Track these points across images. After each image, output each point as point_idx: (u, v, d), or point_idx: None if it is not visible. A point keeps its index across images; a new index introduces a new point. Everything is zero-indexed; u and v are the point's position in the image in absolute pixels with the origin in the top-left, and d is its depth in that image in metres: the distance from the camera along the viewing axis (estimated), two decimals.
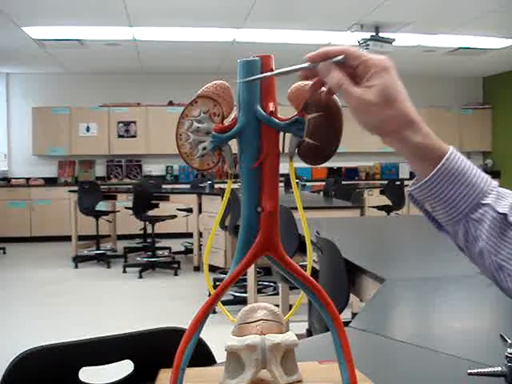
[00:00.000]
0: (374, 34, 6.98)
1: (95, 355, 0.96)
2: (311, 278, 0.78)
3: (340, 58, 0.75)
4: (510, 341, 1.13)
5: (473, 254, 0.78)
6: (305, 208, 0.80)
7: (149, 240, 8.16)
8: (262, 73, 0.75)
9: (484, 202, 0.75)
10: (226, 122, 0.78)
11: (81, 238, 8.02)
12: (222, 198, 5.93)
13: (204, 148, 0.78)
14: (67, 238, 8.24)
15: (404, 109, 0.74)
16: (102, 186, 8.31)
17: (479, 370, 0.97)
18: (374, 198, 8.91)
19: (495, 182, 0.77)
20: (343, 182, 8.97)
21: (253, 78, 0.75)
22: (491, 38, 7.71)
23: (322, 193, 7.79)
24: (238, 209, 4.55)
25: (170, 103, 10.17)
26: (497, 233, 0.74)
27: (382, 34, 6.99)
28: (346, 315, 3.44)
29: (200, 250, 7.19)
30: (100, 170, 10.36)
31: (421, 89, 10.10)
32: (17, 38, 7.31)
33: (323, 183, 8.60)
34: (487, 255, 0.75)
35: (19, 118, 10.02)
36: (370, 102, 0.73)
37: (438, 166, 0.75)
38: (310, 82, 0.78)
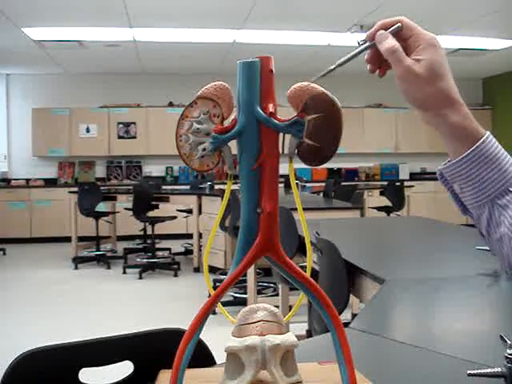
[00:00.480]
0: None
1: (95, 356, 0.96)
2: (311, 279, 0.78)
3: (397, 25, 0.79)
4: (509, 342, 1.13)
5: (493, 240, 0.79)
6: (305, 209, 0.80)
7: (149, 241, 8.16)
8: (261, 74, 0.75)
9: None
10: (226, 123, 0.78)
11: (81, 239, 8.03)
12: (222, 198, 5.92)
13: (204, 149, 0.78)
14: (67, 239, 8.25)
15: (448, 87, 0.77)
16: (102, 187, 8.32)
17: (479, 371, 0.97)
18: (374, 198, 8.91)
19: None
20: (343, 183, 8.97)
21: (323, 73, 0.78)
22: (491, 39, 7.71)
23: (321, 194, 7.79)
24: (237, 210, 4.56)
25: (170, 104, 10.18)
26: None
27: None
28: (345, 316, 3.45)
29: (200, 250, 7.19)
30: (100, 171, 10.36)
31: None
32: (17, 39, 7.32)
33: (323, 184, 8.60)
34: (507, 241, 0.76)
35: (19, 119, 10.02)
36: (418, 74, 0.76)
37: (473, 148, 0.76)
38: (308, 83, 0.78)
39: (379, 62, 0.82)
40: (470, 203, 0.79)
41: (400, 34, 0.79)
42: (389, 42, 0.77)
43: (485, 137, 0.77)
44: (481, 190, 0.77)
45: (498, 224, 0.76)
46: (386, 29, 0.79)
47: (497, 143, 0.77)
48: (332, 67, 0.79)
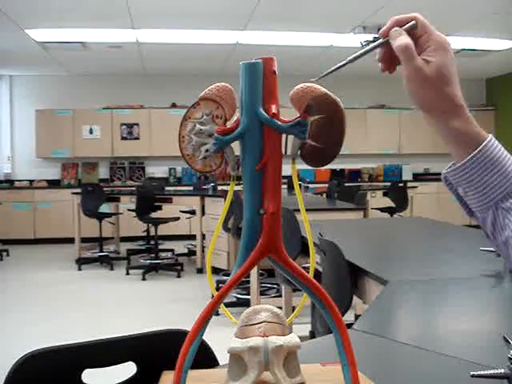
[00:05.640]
0: (376, 35, 6.95)
1: (98, 357, 0.96)
2: (314, 280, 0.78)
3: (412, 23, 0.78)
4: None
5: (498, 243, 0.79)
6: (308, 210, 0.80)
7: (152, 242, 8.17)
8: (264, 75, 0.75)
9: None
10: (229, 124, 0.78)
11: (84, 240, 8.04)
12: (225, 200, 5.90)
13: (206, 150, 0.78)
14: (70, 240, 8.26)
15: (453, 92, 0.77)
16: (105, 188, 8.32)
17: (482, 372, 0.96)
18: (377, 199, 8.90)
19: None
20: (346, 184, 8.96)
21: (329, 71, 0.77)
22: (494, 40, 7.70)
23: (325, 195, 7.78)
24: (240, 211, 4.57)
25: (173, 105, 10.19)
26: None
27: None
28: (348, 317, 3.44)
29: (203, 251, 7.18)
30: (103, 172, 10.37)
31: None
32: (20, 41, 7.33)
33: (326, 185, 8.60)
34: None
35: (22, 121, 10.04)
36: (427, 76, 0.76)
37: (475, 152, 0.76)
38: (311, 85, 0.78)
39: (391, 61, 0.81)
40: (475, 206, 0.79)
41: (413, 31, 0.78)
42: (402, 39, 0.77)
43: (487, 140, 0.76)
44: (484, 194, 0.77)
45: (503, 227, 0.76)
46: (400, 26, 0.78)
47: (499, 146, 0.77)
48: (343, 63, 0.78)
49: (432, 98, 0.77)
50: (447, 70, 0.76)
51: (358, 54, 0.79)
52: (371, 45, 0.79)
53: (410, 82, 0.77)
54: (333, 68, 0.78)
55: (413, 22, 0.78)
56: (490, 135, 0.78)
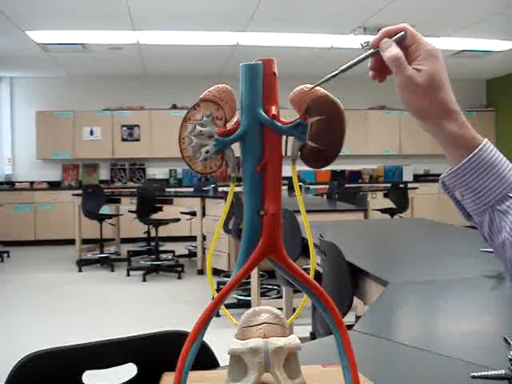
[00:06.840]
0: (375, 36, 6.98)
1: (99, 359, 0.96)
2: (314, 281, 0.78)
3: (401, 34, 0.80)
4: None
5: (496, 245, 0.80)
6: (308, 211, 0.80)
7: (152, 243, 8.16)
8: (264, 76, 0.75)
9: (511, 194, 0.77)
10: (229, 126, 0.78)
11: (84, 241, 8.04)
12: (226, 201, 5.88)
13: (207, 151, 0.78)
14: (71, 242, 8.26)
15: (446, 98, 0.78)
16: (106, 190, 8.33)
17: (483, 373, 0.96)
18: (378, 200, 8.89)
19: None
20: (347, 185, 8.96)
21: (325, 78, 0.78)
22: (494, 41, 7.70)
23: (325, 196, 7.78)
24: (241, 212, 4.56)
25: (174, 107, 10.19)
26: None
27: None
28: (349, 318, 3.44)
29: (204, 253, 7.18)
30: (104, 174, 10.37)
31: None
32: (20, 42, 7.34)
33: (327, 186, 8.60)
34: (508, 247, 0.77)
35: (23, 122, 10.04)
36: (419, 84, 0.77)
37: (470, 156, 0.77)
38: (311, 85, 0.78)
39: (382, 70, 0.82)
40: (472, 210, 0.81)
41: (403, 42, 0.79)
42: (392, 50, 0.78)
43: (482, 144, 0.78)
44: (480, 197, 0.78)
45: (500, 230, 0.77)
46: (390, 37, 0.80)
47: (495, 150, 0.78)
48: (334, 73, 0.79)
49: (425, 105, 0.78)
50: (438, 77, 0.78)
51: (349, 64, 0.80)
52: (362, 55, 0.80)
53: (402, 91, 0.79)
54: (325, 78, 0.78)
55: (402, 32, 0.79)
56: (486, 139, 0.79)
